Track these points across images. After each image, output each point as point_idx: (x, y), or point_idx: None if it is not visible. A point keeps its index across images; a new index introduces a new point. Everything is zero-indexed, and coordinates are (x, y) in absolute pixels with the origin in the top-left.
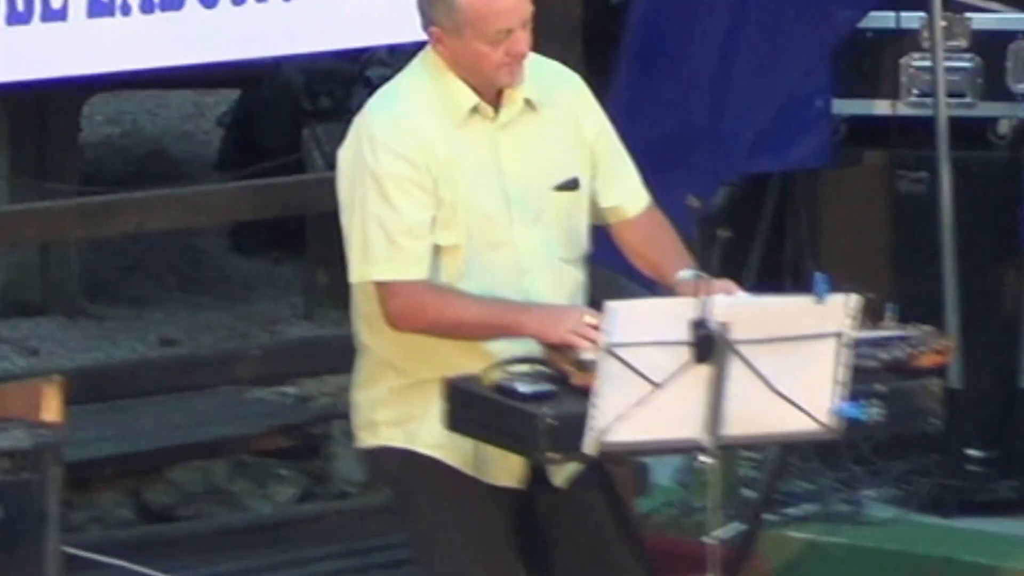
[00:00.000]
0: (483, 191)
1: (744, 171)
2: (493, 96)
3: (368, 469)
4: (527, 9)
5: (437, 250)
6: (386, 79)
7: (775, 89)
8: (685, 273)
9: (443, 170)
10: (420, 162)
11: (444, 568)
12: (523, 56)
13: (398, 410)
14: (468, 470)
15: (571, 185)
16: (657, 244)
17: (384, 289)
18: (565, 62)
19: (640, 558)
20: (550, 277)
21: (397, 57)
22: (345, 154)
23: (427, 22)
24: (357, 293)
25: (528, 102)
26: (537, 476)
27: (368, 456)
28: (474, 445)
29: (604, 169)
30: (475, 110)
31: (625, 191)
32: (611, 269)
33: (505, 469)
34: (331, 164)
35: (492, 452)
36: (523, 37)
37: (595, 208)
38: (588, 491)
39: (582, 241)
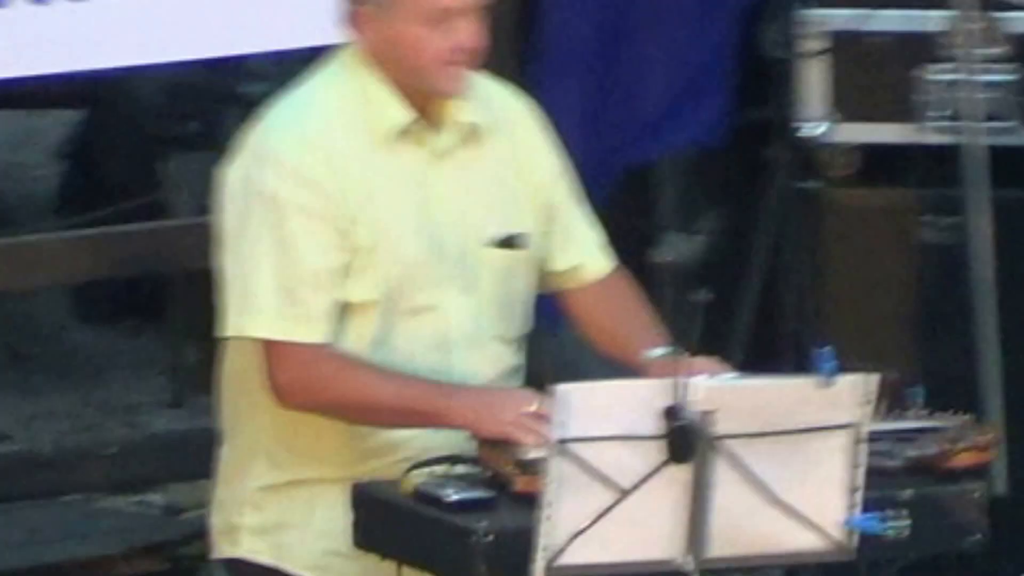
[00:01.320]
0: (405, 238)
1: (628, 162)
2: (428, 112)
3: None
4: None
5: (345, 308)
6: (267, 97)
7: (664, 75)
8: (655, 351)
9: (362, 205)
10: (332, 190)
11: None
12: (474, 54)
13: (267, 515)
14: None
15: (513, 242)
16: (619, 314)
17: (273, 351)
18: (497, 73)
19: None
20: (480, 358)
21: (282, 71)
22: (234, 173)
23: (348, 2)
24: (228, 352)
25: (474, 128)
26: None
27: (225, 569)
28: (363, 570)
29: (558, 223)
30: (406, 131)
31: (584, 251)
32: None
33: None
34: (199, 206)
35: None
36: (473, 28)
37: (546, 272)
38: None
39: (524, 315)
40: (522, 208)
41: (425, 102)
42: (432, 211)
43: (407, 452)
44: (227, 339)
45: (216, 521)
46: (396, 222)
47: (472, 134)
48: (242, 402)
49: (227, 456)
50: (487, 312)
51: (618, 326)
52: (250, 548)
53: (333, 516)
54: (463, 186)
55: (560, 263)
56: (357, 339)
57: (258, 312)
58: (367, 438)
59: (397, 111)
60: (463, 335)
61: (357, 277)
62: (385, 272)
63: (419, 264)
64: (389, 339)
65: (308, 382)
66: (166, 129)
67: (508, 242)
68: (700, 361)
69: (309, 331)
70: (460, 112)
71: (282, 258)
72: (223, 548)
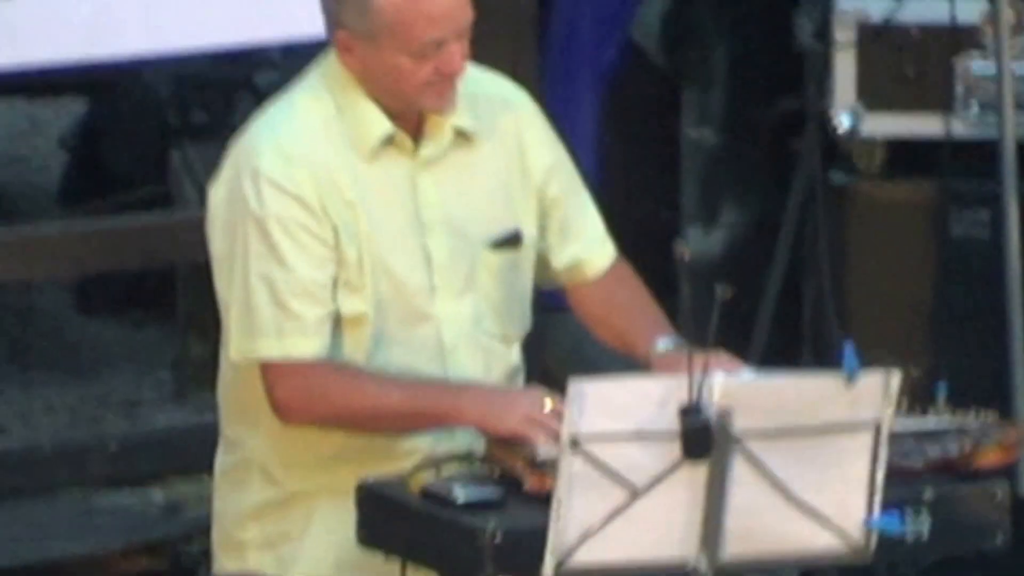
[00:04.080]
0: (397, 249)
1: None
2: (414, 123)
3: None
4: (466, 15)
5: (338, 321)
6: (277, 87)
7: None
8: (663, 343)
9: (347, 218)
10: (317, 205)
11: None
12: (457, 75)
13: (270, 528)
14: None
15: (511, 241)
16: (624, 306)
17: (273, 370)
18: (516, 65)
19: None
20: (480, 360)
21: (293, 59)
22: (218, 193)
23: (333, 24)
24: (227, 367)
25: (460, 132)
26: None
27: None
28: None
29: (559, 218)
30: (389, 141)
31: (586, 244)
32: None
33: None
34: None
35: None
36: (458, 51)
37: (545, 269)
38: None
39: (524, 313)
40: (519, 206)
41: (409, 114)
42: (423, 219)
43: (399, 453)
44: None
45: (217, 534)
46: (385, 234)
47: (461, 137)
48: (240, 418)
49: (224, 467)
50: (486, 314)
51: (622, 321)
52: (256, 563)
53: (334, 526)
54: (455, 190)
55: (560, 259)
56: (352, 351)
57: (260, 334)
58: (363, 449)
59: (379, 122)
60: (460, 340)
61: (348, 290)
62: (376, 284)
63: (410, 276)
64: (384, 350)
65: (311, 396)
66: (174, 119)
67: (507, 242)
68: (714, 357)
69: (306, 345)
70: (447, 118)
71: (274, 274)
72: (226, 564)
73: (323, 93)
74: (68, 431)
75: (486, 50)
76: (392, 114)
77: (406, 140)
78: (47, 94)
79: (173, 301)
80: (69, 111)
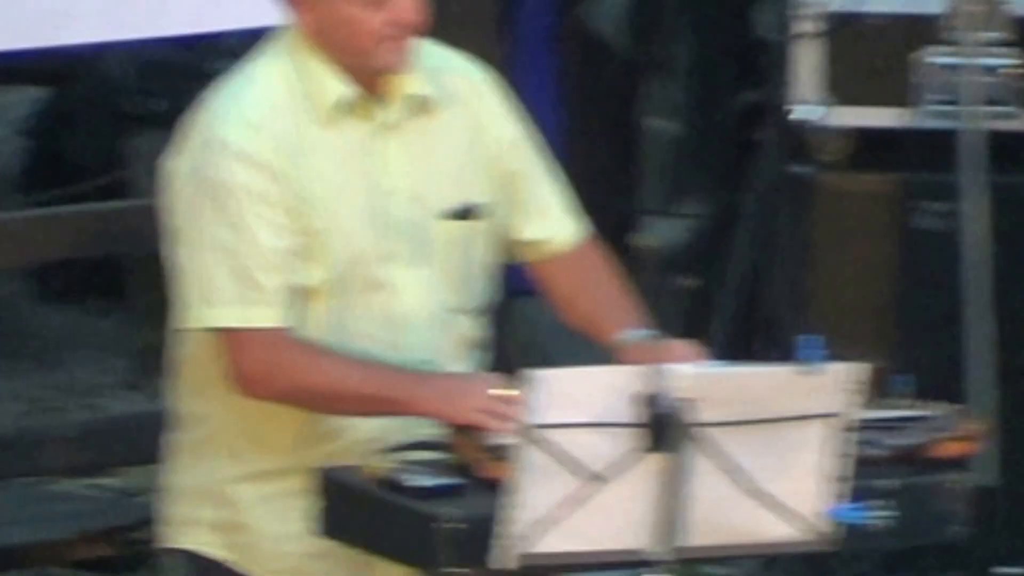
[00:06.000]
0: (355, 216)
1: None
2: (372, 87)
3: None
4: None
5: (298, 290)
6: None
7: None
8: (632, 333)
9: (308, 185)
10: (281, 173)
11: None
12: (411, 27)
13: (228, 512)
14: None
15: (466, 213)
16: (592, 291)
17: (233, 339)
18: (480, 53)
19: None
20: (435, 333)
21: (251, 48)
22: (178, 165)
23: None
24: (183, 340)
25: (419, 100)
26: None
27: (178, 559)
28: (328, 571)
29: (520, 192)
30: (347, 104)
31: (551, 220)
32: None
33: None
34: None
35: None
36: (412, 2)
37: (508, 243)
38: None
39: (481, 286)
40: (479, 178)
41: (369, 78)
42: (381, 185)
43: (359, 434)
44: (185, 329)
45: (173, 510)
46: (344, 200)
47: (422, 106)
48: (199, 391)
49: (184, 445)
50: (443, 285)
51: (587, 301)
52: (208, 542)
53: (295, 517)
54: (414, 158)
55: (525, 233)
56: (315, 324)
57: (218, 302)
58: (320, 421)
59: (339, 87)
60: (417, 310)
61: (310, 259)
62: (336, 252)
63: (367, 244)
64: (344, 320)
65: (270, 369)
66: (132, 107)
67: (463, 213)
68: (678, 346)
69: (268, 315)
70: (408, 85)
71: (236, 243)
72: (178, 538)
73: (283, 61)
74: (23, 419)
75: (451, 38)
76: (354, 78)
77: (368, 105)
78: (4, 81)
79: (130, 289)
80: (26, 98)
